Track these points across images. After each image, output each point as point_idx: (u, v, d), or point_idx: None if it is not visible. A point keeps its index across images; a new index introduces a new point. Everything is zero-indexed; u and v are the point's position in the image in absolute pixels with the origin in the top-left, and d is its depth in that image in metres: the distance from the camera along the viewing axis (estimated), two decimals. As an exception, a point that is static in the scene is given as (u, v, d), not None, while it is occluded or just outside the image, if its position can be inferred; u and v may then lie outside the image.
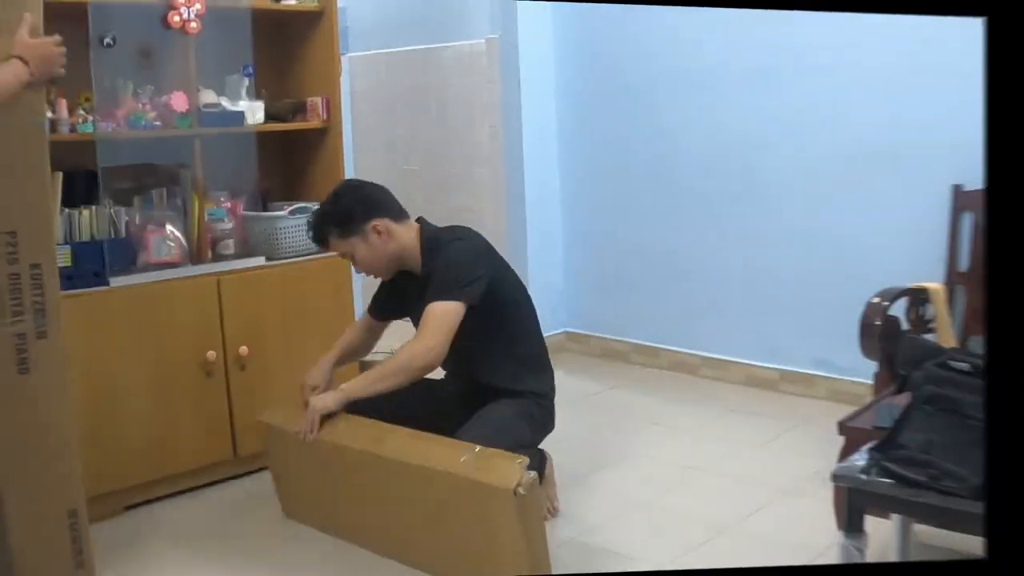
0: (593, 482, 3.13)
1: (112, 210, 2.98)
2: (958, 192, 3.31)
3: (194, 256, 3.11)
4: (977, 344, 3.03)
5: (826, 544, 2.54)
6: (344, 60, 3.57)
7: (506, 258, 4.74)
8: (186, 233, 3.11)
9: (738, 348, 4.16)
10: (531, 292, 3.04)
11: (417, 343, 2.55)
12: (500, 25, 4.52)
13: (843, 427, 2.40)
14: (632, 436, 3.54)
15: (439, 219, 5.38)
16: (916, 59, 3.45)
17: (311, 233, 2.81)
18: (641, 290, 4.45)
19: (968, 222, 3.27)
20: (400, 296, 2.83)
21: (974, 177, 3.20)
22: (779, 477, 3.11)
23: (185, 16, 3.03)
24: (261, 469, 3.11)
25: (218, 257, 3.16)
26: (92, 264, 2.80)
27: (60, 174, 2.75)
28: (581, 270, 4.70)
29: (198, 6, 3.06)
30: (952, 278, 3.26)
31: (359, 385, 2.59)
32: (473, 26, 4.81)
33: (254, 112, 3.28)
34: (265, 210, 3.44)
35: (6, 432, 2.30)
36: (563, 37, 4.56)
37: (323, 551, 2.68)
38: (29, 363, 2.13)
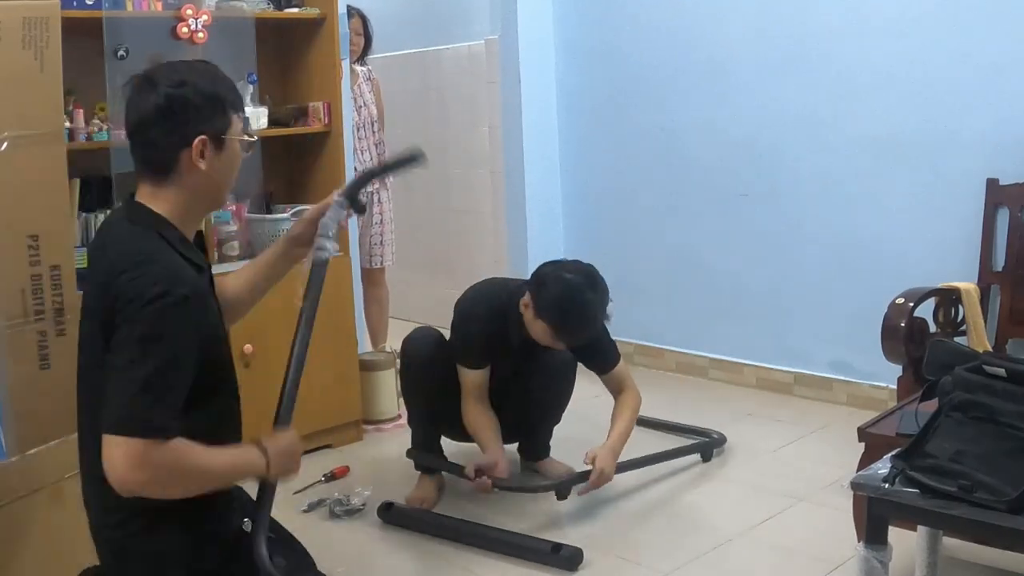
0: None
1: (125, 214, 3.11)
2: (993, 186, 3.15)
3: (201, 257, 3.24)
4: (1017, 348, 2.90)
5: (845, 555, 2.43)
6: (344, 65, 3.69)
7: (506, 259, 4.81)
8: (194, 235, 3.24)
9: (749, 350, 4.00)
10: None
11: (635, 394, 2.99)
12: (500, 26, 4.51)
13: (863, 433, 2.24)
14: (640, 439, 3.31)
15: (439, 219, 5.50)
16: (941, 45, 3.27)
17: (589, 324, 2.73)
18: (645, 290, 4.33)
19: (1004, 218, 3.12)
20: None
21: (1009, 169, 3.11)
22: (794, 484, 2.98)
23: (193, 27, 3.13)
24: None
25: (224, 258, 3.23)
26: (106, 265, 2.92)
27: (77, 180, 2.84)
28: (582, 271, 4.63)
29: (205, 17, 3.15)
30: (986, 277, 3.13)
31: (622, 442, 2.90)
32: (473, 27, 4.84)
33: (258, 118, 3.34)
34: (269, 213, 3.52)
35: (30, 424, 2.46)
36: (563, 37, 4.49)
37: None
38: (50, 359, 2.24)
